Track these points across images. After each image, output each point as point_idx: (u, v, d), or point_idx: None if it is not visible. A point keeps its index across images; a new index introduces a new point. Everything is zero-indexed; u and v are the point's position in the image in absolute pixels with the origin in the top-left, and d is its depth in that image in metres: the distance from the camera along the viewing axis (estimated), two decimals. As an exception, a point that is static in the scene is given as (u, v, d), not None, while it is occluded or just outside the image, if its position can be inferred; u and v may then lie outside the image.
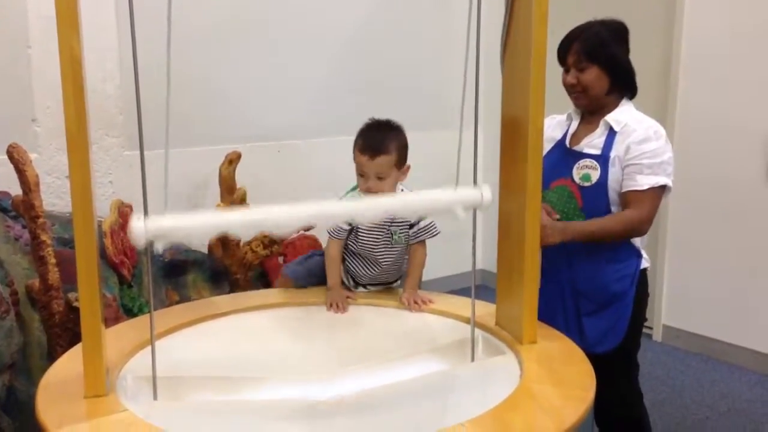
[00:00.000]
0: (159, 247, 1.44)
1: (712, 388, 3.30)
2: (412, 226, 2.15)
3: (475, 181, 1.76)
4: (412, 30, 4.21)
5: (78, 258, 1.44)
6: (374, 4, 4.02)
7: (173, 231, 1.45)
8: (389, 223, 2.12)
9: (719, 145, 3.53)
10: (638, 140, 2.03)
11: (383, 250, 2.16)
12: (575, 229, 2.04)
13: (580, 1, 3.74)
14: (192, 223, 1.48)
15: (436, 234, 2.18)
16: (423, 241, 2.20)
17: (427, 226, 2.16)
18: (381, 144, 2.02)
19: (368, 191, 2.04)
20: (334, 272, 2.17)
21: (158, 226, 1.42)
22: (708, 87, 3.54)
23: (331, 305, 2.10)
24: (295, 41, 3.76)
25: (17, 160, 2.22)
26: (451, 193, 1.65)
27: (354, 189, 2.15)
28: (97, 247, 1.48)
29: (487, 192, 1.66)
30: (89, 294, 1.46)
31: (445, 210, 1.65)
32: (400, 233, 2.14)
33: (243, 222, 1.51)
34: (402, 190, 2.14)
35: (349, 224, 2.12)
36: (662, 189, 2.04)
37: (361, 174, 2.05)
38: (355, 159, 2.07)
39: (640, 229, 2.06)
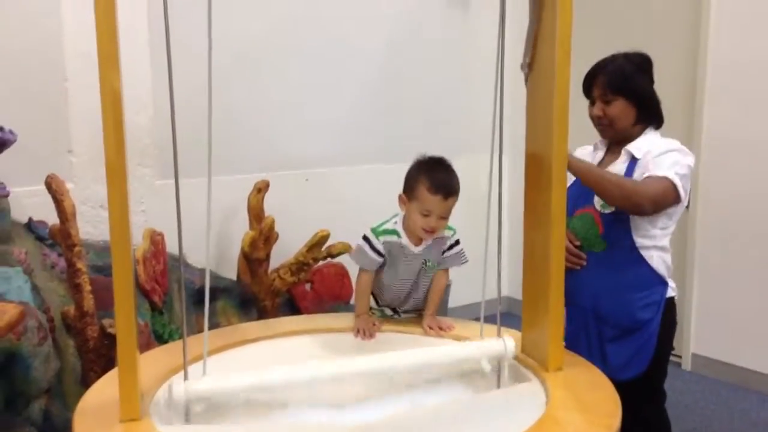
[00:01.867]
0: (198, 408, 1.59)
1: (742, 417, 3.26)
2: (443, 252, 2.16)
3: (500, 208, 1.80)
4: (438, 58, 4.26)
5: (115, 285, 1.49)
6: (400, 32, 4.08)
7: (211, 393, 1.61)
8: (425, 252, 2.13)
9: (746, 170, 3.52)
10: (657, 153, 2.05)
11: (417, 278, 2.18)
12: (589, 164, 2.05)
13: (603, 33, 3.79)
14: (228, 386, 1.64)
15: (465, 261, 2.19)
16: (447, 270, 2.22)
17: (457, 253, 2.17)
18: (452, 184, 2.00)
19: (431, 231, 2.03)
20: (363, 301, 2.20)
21: (197, 390, 1.57)
22: (733, 112, 3.54)
23: (358, 332, 2.12)
24: (323, 70, 3.83)
25: (55, 190, 2.29)
26: (477, 347, 1.83)
27: (395, 216, 2.13)
28: (133, 275, 1.53)
29: (510, 343, 1.81)
30: (125, 320, 1.51)
31: (473, 363, 1.83)
32: (433, 260, 2.16)
33: (278, 380, 1.70)
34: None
35: (382, 255, 2.13)
36: (675, 188, 2.00)
37: (424, 213, 2.00)
38: (416, 197, 2.02)
39: (640, 203, 1.99)
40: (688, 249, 3.73)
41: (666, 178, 2.00)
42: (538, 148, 1.80)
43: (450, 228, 2.14)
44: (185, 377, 1.61)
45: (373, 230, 2.12)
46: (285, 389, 1.88)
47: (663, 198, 2.01)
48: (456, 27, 4.32)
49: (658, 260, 2.11)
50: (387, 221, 2.15)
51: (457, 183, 2.03)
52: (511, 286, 3.84)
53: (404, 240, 2.10)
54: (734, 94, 3.53)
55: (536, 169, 1.81)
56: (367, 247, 2.12)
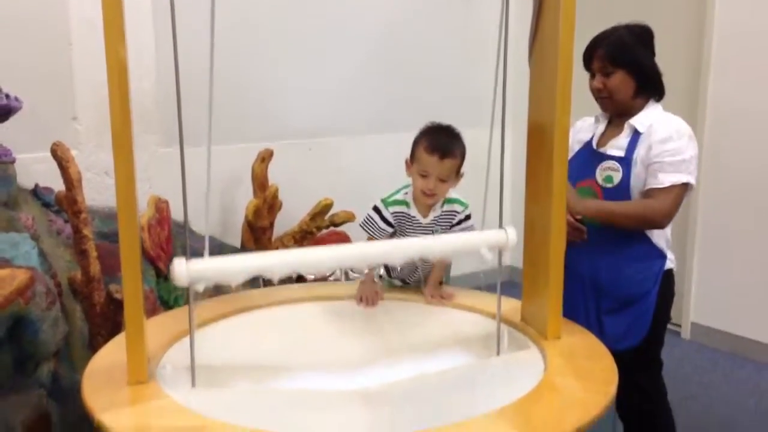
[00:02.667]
0: (200, 288, 1.55)
1: (740, 386, 3.30)
2: (452, 225, 2.17)
3: (501, 182, 1.81)
4: (442, 29, 4.24)
5: (122, 252, 1.52)
6: (404, 2, 4.06)
7: (213, 273, 1.55)
8: (434, 224, 2.15)
9: (750, 142, 3.52)
10: (660, 139, 2.05)
11: None
12: (597, 206, 2.08)
13: (607, 4, 3.76)
14: (231, 266, 1.57)
15: None
16: None
17: (467, 228, 2.17)
18: (450, 146, 2.02)
19: (429, 192, 2.04)
20: (369, 270, 2.23)
21: (199, 269, 1.53)
22: (739, 85, 3.53)
23: (361, 299, 2.15)
24: (327, 39, 3.82)
25: (60, 157, 2.31)
26: (478, 235, 1.76)
27: (405, 188, 2.15)
28: (139, 241, 1.56)
29: (512, 233, 1.74)
30: (132, 286, 1.54)
31: (473, 251, 1.74)
32: (442, 232, 2.17)
33: (281, 263, 1.60)
34: (449, 192, 2.14)
35: (392, 227, 2.15)
36: (684, 187, 2.06)
37: (423, 174, 2.02)
38: (416, 158, 2.05)
39: (659, 221, 2.07)
40: (690, 219, 3.75)
41: (675, 186, 2.04)
42: (541, 120, 1.81)
43: (462, 203, 2.15)
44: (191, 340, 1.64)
45: (383, 201, 2.14)
46: (287, 355, 1.92)
47: (676, 206, 2.07)
48: (460, 8, 4.28)
49: (658, 234, 2.13)
50: (397, 192, 2.16)
51: (459, 147, 2.04)
52: (513, 255, 3.87)
53: (413, 210, 2.12)
54: (740, 66, 3.52)
55: (538, 141, 1.83)
56: (377, 218, 2.14)
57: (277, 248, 3.21)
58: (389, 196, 2.15)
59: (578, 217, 2.13)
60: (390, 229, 2.15)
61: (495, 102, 1.74)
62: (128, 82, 1.46)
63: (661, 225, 2.10)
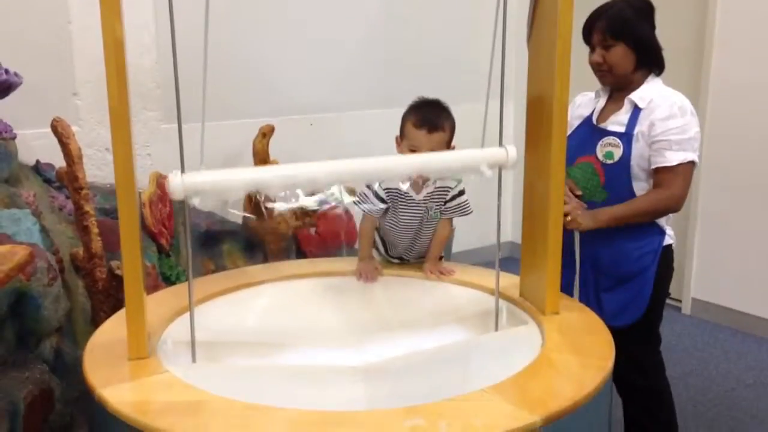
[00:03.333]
0: (196, 201, 1.51)
1: (739, 361, 3.32)
2: (446, 202, 2.18)
3: (501, 98, 1.77)
4: (442, 3, 4.21)
5: (121, 228, 1.53)
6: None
7: (209, 186, 1.51)
8: (427, 200, 2.16)
9: (752, 118, 3.50)
10: (663, 117, 2.04)
11: (420, 226, 2.21)
12: (608, 215, 2.07)
13: None
14: (227, 178, 1.54)
15: (468, 213, 2.22)
16: (450, 220, 2.25)
17: (461, 204, 2.19)
18: (438, 120, 2.03)
19: None
20: (366, 245, 2.24)
21: (195, 181, 1.49)
22: (742, 59, 3.50)
23: (360, 275, 2.17)
24: (328, 15, 3.79)
25: (61, 133, 2.31)
26: (478, 152, 1.70)
27: None
28: (139, 217, 1.56)
29: (512, 150, 1.71)
30: (132, 262, 1.54)
31: (472, 168, 1.69)
32: (436, 209, 2.19)
33: (277, 177, 1.57)
34: None
35: (385, 203, 2.16)
36: (692, 165, 2.06)
37: (412, 149, 2.03)
38: (405, 134, 2.06)
39: (675, 207, 2.09)
40: (691, 194, 3.73)
41: (682, 166, 2.03)
42: (539, 94, 1.80)
43: (453, 179, 2.16)
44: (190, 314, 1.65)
45: None
46: (287, 331, 1.94)
47: (687, 186, 2.07)
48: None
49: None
50: None
51: (447, 120, 2.05)
52: (514, 231, 3.88)
53: (405, 186, 2.12)
54: (743, 40, 3.49)
55: (537, 115, 1.82)
56: (370, 194, 2.16)
57: (278, 224, 3.22)
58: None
59: (578, 192, 2.13)
60: (382, 205, 2.17)
61: (491, 74, 1.73)
62: (125, 59, 1.46)
63: (677, 209, 2.10)
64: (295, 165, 1.60)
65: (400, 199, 2.16)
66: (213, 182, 1.52)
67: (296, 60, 3.73)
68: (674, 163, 2.03)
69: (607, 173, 2.10)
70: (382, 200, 2.16)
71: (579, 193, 2.13)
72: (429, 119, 2.02)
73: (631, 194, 2.09)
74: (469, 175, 1.71)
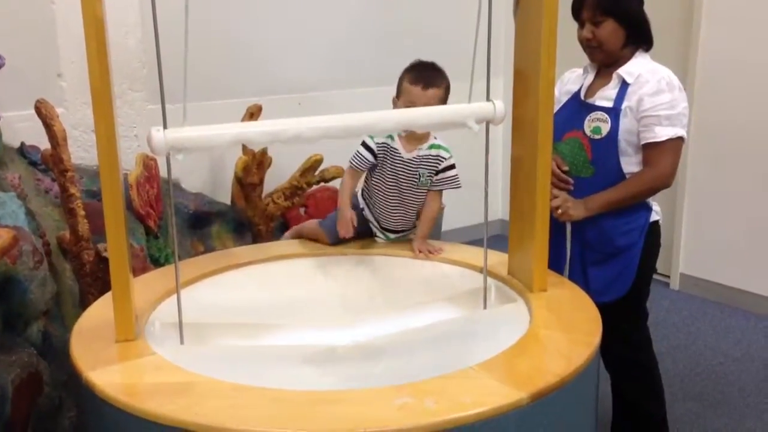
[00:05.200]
0: (179, 157, 1.50)
1: (727, 335, 3.34)
2: (438, 172, 2.20)
3: (487, 132, 1.79)
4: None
5: (105, 210, 1.52)
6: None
7: (192, 141, 1.50)
8: (417, 163, 2.18)
9: (741, 92, 3.50)
10: (651, 92, 2.04)
11: (409, 190, 2.21)
12: (600, 202, 2.07)
13: None
14: (211, 133, 1.53)
15: (457, 186, 2.24)
16: (440, 192, 2.25)
17: (451, 177, 2.21)
18: (433, 77, 2.11)
19: None
20: (344, 197, 2.25)
21: (178, 137, 1.48)
22: (730, 33, 3.49)
23: (339, 229, 2.18)
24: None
25: (45, 115, 2.28)
26: (465, 106, 1.71)
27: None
28: (123, 199, 1.55)
29: (500, 105, 1.71)
30: (117, 244, 1.54)
31: (460, 123, 1.69)
32: (428, 176, 2.20)
33: (261, 132, 1.57)
34: (435, 138, 2.21)
35: (375, 157, 2.19)
36: (680, 141, 2.06)
37: (408, 105, 2.07)
38: (402, 91, 2.13)
39: (665, 184, 2.09)
40: (680, 169, 3.73)
41: (671, 141, 2.03)
42: (526, 68, 1.79)
43: (447, 150, 2.20)
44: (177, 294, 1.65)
45: (369, 135, 2.19)
46: (276, 312, 1.94)
47: (677, 162, 2.08)
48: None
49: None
50: None
51: (442, 79, 2.12)
52: (504, 209, 3.87)
53: (396, 143, 2.18)
54: (731, 14, 3.48)
55: (523, 90, 1.81)
56: (362, 148, 2.21)
57: (267, 205, 3.21)
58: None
59: (564, 168, 2.13)
60: (371, 158, 2.20)
61: (476, 51, 1.71)
62: (106, 38, 1.44)
63: (668, 185, 2.11)
64: (279, 120, 1.59)
65: (389, 155, 2.19)
66: (196, 137, 1.51)
67: (284, 38, 3.69)
68: (663, 139, 2.03)
69: (595, 148, 2.09)
70: (372, 152, 2.19)
71: (566, 168, 2.13)
72: (425, 76, 2.10)
73: (619, 170, 2.09)
74: (458, 128, 1.70)
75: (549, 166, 1.81)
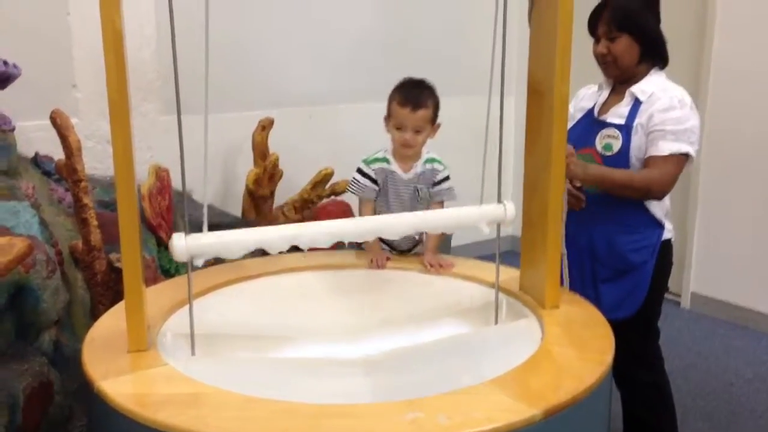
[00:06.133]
0: (199, 263, 1.59)
1: (738, 355, 3.32)
2: (434, 185, 2.25)
3: (500, 156, 1.79)
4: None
5: (120, 220, 1.52)
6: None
7: (212, 248, 1.59)
8: (416, 180, 2.22)
9: (752, 110, 3.49)
10: (662, 108, 2.04)
11: (413, 209, 2.21)
12: (598, 172, 2.07)
13: None
14: (231, 240, 1.60)
15: (454, 197, 2.26)
16: (441, 204, 2.26)
17: (447, 188, 2.25)
18: (421, 98, 2.13)
19: (405, 144, 2.14)
20: None
21: (198, 244, 1.55)
22: (743, 47, 3.49)
23: (372, 262, 2.18)
24: (328, 6, 3.78)
25: (60, 125, 2.30)
26: (477, 209, 1.76)
27: (378, 158, 2.22)
28: (138, 210, 1.56)
29: (510, 207, 1.77)
30: (131, 254, 1.54)
31: (471, 226, 1.77)
32: (426, 190, 2.24)
33: (280, 238, 1.63)
34: (428, 152, 2.24)
35: (376, 183, 2.21)
36: (685, 158, 2.04)
37: (398, 127, 2.13)
38: (391, 113, 2.16)
39: (656, 191, 2.06)
40: (691, 187, 3.74)
41: (675, 156, 2.02)
42: (540, 85, 1.79)
43: (441, 162, 2.24)
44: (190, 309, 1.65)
45: (364, 161, 2.25)
46: (286, 324, 1.93)
47: (674, 178, 2.06)
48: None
49: (656, 203, 2.12)
50: (376, 152, 2.26)
51: (430, 98, 2.15)
52: (515, 224, 3.86)
53: (394, 166, 2.21)
54: (745, 28, 3.48)
55: (537, 106, 1.81)
56: (360, 176, 2.23)
57: (277, 217, 3.21)
58: (369, 157, 2.25)
59: (578, 184, 2.13)
60: (375, 186, 2.22)
61: (493, 68, 1.73)
62: (125, 52, 1.45)
63: (657, 196, 2.09)
64: (296, 225, 1.70)
65: (389, 178, 2.22)
66: (216, 244, 1.58)
67: (295, 51, 3.72)
68: (665, 153, 2.02)
69: (606, 164, 2.09)
70: (373, 180, 2.21)
71: (578, 184, 2.13)
72: (412, 97, 2.12)
73: None
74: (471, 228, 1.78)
75: (562, 182, 1.80)
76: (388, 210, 2.23)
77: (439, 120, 2.18)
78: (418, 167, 2.22)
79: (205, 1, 1.52)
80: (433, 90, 2.18)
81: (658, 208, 2.13)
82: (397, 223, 1.75)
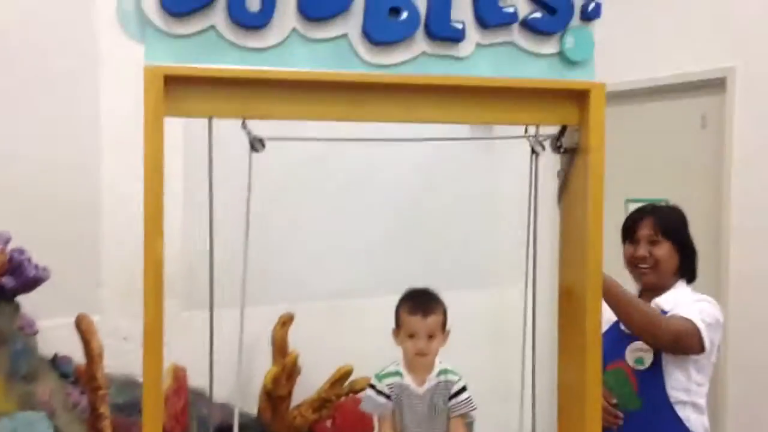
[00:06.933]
0: None
1: None
2: (450, 398, 2.14)
3: (534, 346, 1.74)
4: (464, 189, 4.29)
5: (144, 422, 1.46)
6: (427, 164, 4.13)
7: None
8: (431, 394, 2.12)
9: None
10: (689, 302, 2.03)
11: (429, 423, 2.13)
12: (612, 284, 1.98)
13: (623, 180, 3.73)
14: None
15: (473, 408, 2.17)
16: (462, 417, 2.17)
17: (464, 400, 2.14)
18: (430, 303, 2.11)
19: (420, 352, 2.07)
20: None
21: None
22: (762, 252, 3.50)
23: None
24: (348, 200, 3.86)
25: (84, 330, 2.30)
26: None
27: (391, 372, 2.15)
28: (162, 416, 1.51)
29: None
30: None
31: None
32: (442, 404, 2.14)
33: None
34: (440, 362, 2.16)
35: (389, 398, 2.12)
36: (696, 330, 1.97)
37: (410, 335, 2.08)
38: (401, 323, 2.12)
39: (660, 333, 1.97)
40: (721, 394, 3.57)
41: (691, 321, 1.98)
42: (570, 280, 1.73)
43: (455, 373, 2.15)
44: None
45: (376, 376, 2.16)
46: None
47: (685, 337, 1.98)
48: (482, 166, 4.34)
49: (696, 422, 2.05)
50: (388, 366, 2.18)
51: (439, 304, 2.12)
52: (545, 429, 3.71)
53: (407, 380, 2.12)
54: (760, 233, 3.49)
55: (571, 314, 1.74)
56: (373, 393, 2.14)
57: (294, 418, 3.12)
58: (381, 371, 2.17)
59: (613, 401, 2.06)
60: (389, 402, 2.12)
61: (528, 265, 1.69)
62: (163, 277, 1.47)
63: (662, 340, 1.99)
64: None
65: (403, 394, 2.12)
66: None
67: (317, 247, 3.76)
68: (681, 313, 1.98)
69: (640, 380, 2.04)
70: (386, 396, 2.12)
71: (614, 401, 2.06)
72: (422, 304, 2.10)
73: (666, 401, 2.03)
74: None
75: (599, 398, 1.73)
76: (403, 427, 2.14)
77: (448, 326, 2.14)
78: (432, 380, 2.13)
79: (246, 206, 1.56)
80: (438, 296, 2.17)
81: (697, 425, 2.05)
82: None
